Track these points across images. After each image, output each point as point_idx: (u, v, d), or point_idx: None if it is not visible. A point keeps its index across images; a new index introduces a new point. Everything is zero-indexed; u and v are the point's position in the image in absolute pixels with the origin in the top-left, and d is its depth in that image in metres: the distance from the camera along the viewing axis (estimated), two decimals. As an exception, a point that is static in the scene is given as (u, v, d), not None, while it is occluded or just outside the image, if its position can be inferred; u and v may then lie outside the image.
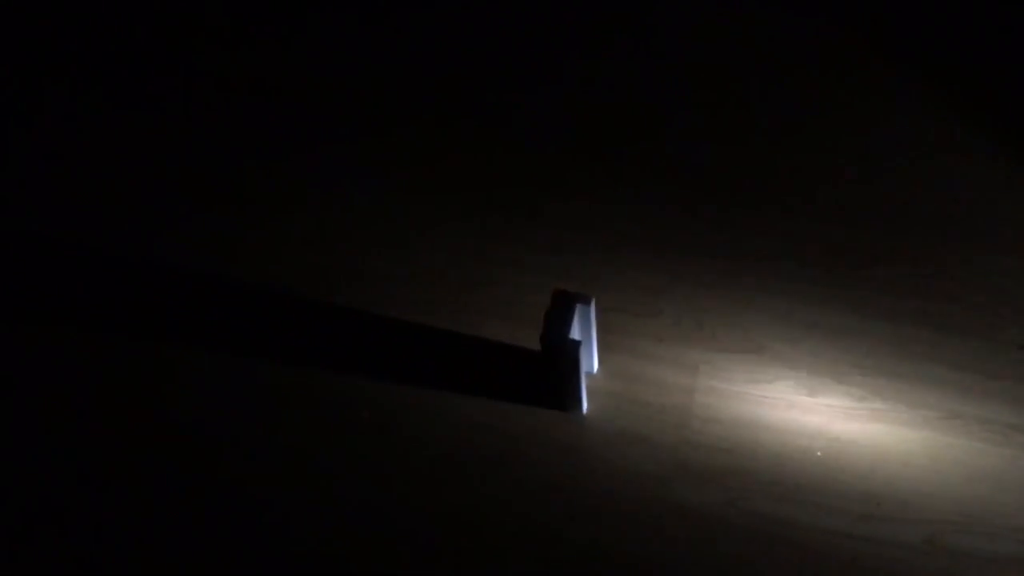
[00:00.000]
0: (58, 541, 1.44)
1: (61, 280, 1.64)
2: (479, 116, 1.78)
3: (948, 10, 1.84)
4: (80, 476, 1.49)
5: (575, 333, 1.44)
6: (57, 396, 1.55)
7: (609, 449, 1.49)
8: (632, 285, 1.61)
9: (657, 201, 1.68)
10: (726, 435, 1.49)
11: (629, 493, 1.46)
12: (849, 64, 1.80)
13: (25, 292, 1.64)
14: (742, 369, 1.54)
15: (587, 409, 1.52)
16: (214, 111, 1.79)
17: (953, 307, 1.57)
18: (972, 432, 1.47)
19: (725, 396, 1.52)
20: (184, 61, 1.84)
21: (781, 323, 1.57)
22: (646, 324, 1.58)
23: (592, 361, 1.54)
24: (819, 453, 1.47)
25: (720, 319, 1.58)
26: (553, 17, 1.87)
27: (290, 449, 1.50)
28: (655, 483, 1.46)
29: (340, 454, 1.50)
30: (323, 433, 1.51)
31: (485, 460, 1.48)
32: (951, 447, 1.46)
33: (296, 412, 1.52)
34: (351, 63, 1.83)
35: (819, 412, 1.50)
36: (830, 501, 1.44)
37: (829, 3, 1.86)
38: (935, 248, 1.62)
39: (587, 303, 1.44)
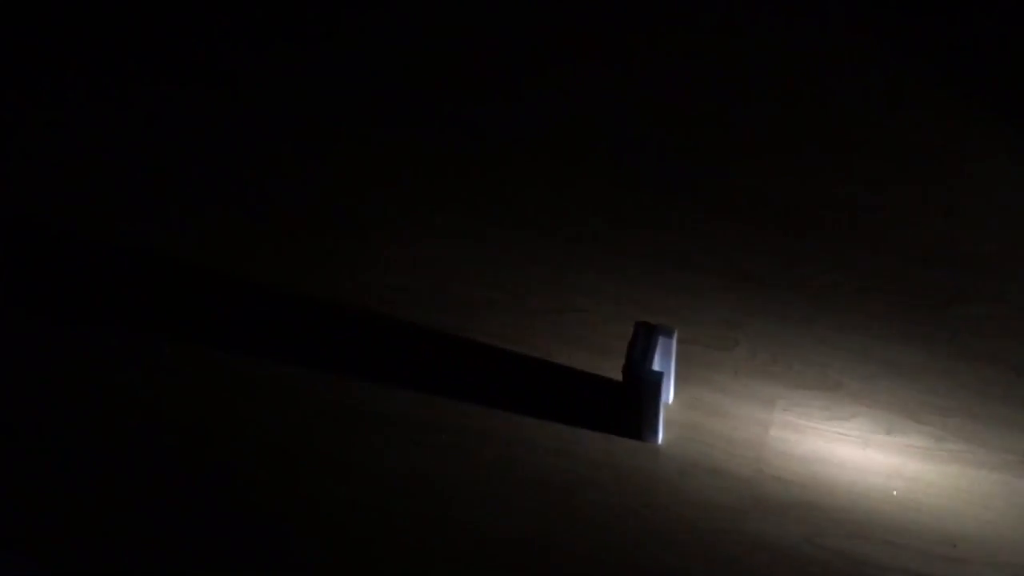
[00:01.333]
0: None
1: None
2: (552, 142, 1.80)
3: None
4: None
5: (656, 364, 1.46)
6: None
7: (684, 479, 1.51)
8: (708, 317, 1.63)
9: (734, 233, 1.69)
10: (802, 470, 1.50)
11: (704, 523, 1.47)
12: (930, 96, 1.80)
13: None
14: (818, 405, 1.55)
15: (662, 440, 1.54)
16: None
17: (1032, 349, 1.57)
18: (1051, 477, 1.47)
19: (801, 431, 1.53)
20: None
21: (859, 360, 1.57)
22: (722, 357, 1.60)
23: (669, 392, 1.55)
24: (895, 492, 1.48)
25: (797, 354, 1.59)
26: (615, 43, 1.89)
27: (369, 466, 1.53)
28: (730, 515, 1.48)
29: (418, 474, 1.52)
30: (401, 452, 1.54)
31: (563, 484, 1.50)
32: (1029, 491, 1.47)
33: (376, 433, 1.55)
34: (415, 79, 1.86)
35: (896, 451, 1.51)
36: (906, 540, 1.44)
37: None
38: (1012, 288, 1.62)
39: (669, 335, 1.46)
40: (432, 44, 1.89)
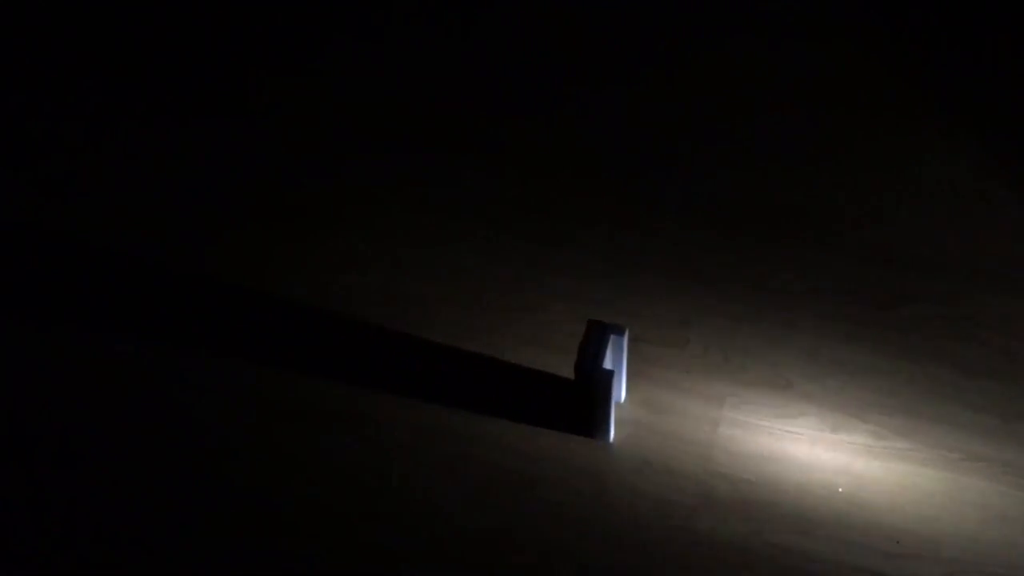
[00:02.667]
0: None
1: (96, 285, 1.68)
2: (511, 142, 1.81)
3: (981, 48, 1.87)
4: (109, 480, 1.52)
5: (607, 363, 1.47)
6: (96, 401, 1.58)
7: (635, 477, 1.52)
8: (660, 315, 1.65)
9: (687, 232, 1.71)
10: (750, 468, 1.52)
11: (654, 521, 1.49)
12: (882, 100, 1.83)
13: (61, 295, 1.67)
14: (767, 403, 1.57)
15: (614, 437, 1.55)
16: (258, 131, 1.83)
17: (977, 349, 1.60)
18: (993, 475, 1.50)
19: (750, 429, 1.55)
20: (227, 83, 1.88)
21: (808, 359, 1.60)
22: (673, 355, 1.61)
23: (620, 390, 1.57)
24: (841, 489, 1.50)
25: (747, 352, 1.61)
26: (576, 48, 1.90)
27: (322, 464, 1.53)
28: (680, 512, 1.49)
29: (372, 472, 1.53)
30: (354, 450, 1.54)
31: (515, 481, 1.51)
32: (971, 488, 1.49)
33: (328, 431, 1.55)
34: (387, 86, 1.87)
35: (842, 449, 1.53)
36: (852, 536, 1.47)
37: (862, 36, 1.90)
38: (959, 290, 1.65)
39: (620, 334, 1.48)
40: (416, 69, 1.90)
